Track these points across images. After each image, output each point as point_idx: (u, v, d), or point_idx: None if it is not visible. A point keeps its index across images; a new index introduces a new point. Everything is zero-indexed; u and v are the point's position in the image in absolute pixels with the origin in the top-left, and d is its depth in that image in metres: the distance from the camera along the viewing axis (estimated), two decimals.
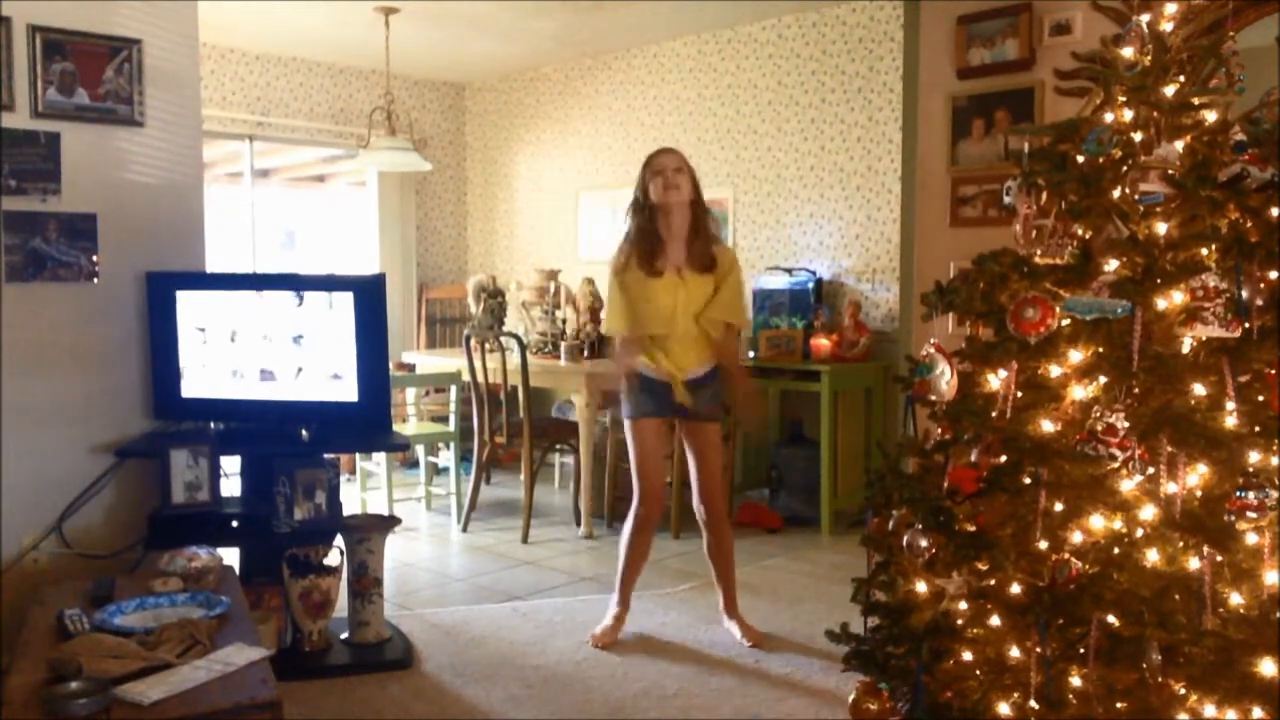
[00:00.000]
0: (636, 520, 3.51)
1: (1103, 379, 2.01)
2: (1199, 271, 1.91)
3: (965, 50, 4.21)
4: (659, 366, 3.41)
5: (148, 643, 2.22)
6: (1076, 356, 2.04)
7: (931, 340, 2.25)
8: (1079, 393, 2.04)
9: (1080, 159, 2.11)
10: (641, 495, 3.48)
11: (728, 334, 3.49)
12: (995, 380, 2.14)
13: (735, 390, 3.61)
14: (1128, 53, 2.14)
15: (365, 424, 3.43)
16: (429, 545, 4.92)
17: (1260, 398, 1.90)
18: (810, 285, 5.39)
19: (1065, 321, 2.04)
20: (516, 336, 4.99)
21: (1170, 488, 1.90)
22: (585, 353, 5.24)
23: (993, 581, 2.05)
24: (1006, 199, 2.23)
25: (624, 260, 3.43)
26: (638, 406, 3.45)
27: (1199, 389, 1.92)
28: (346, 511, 3.53)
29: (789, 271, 5.52)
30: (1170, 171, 1.97)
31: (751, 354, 5.32)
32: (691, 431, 3.51)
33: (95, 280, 3.32)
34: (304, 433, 3.33)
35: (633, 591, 3.61)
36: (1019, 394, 2.08)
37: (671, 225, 3.37)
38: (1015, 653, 2.02)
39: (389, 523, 3.50)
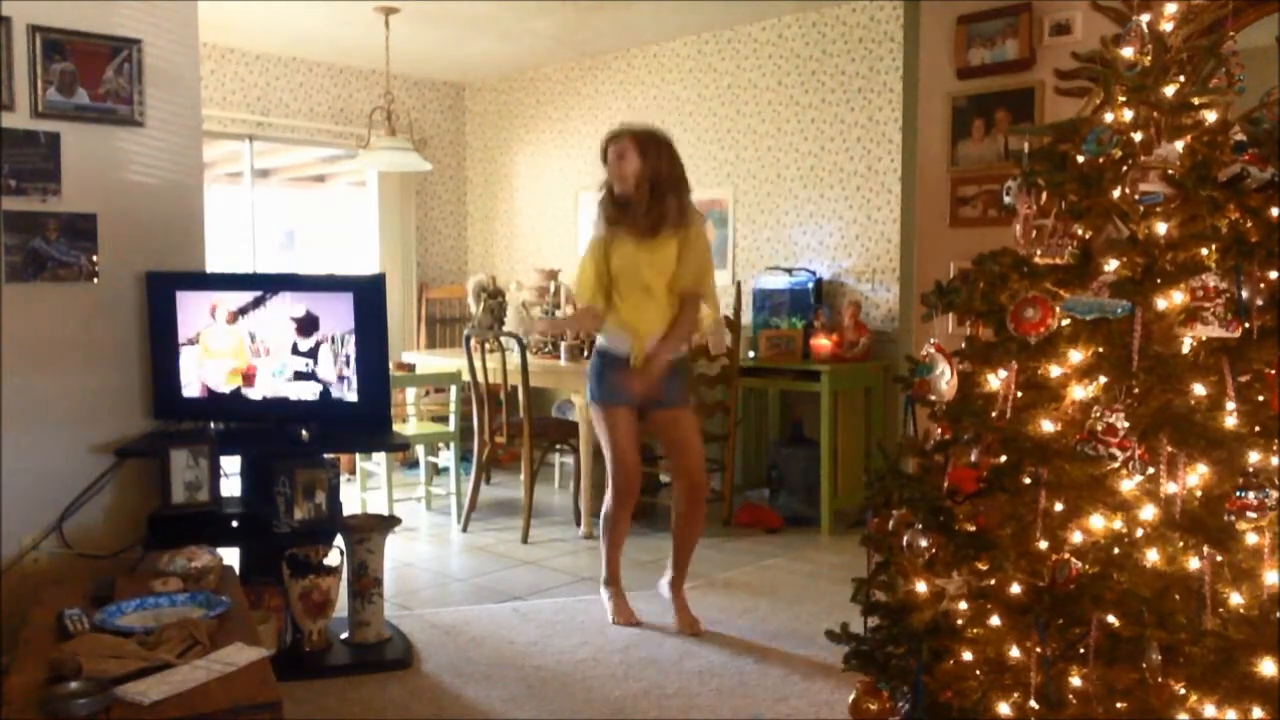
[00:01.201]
0: (614, 498, 3.61)
1: (1103, 379, 2.01)
2: (1199, 271, 1.91)
3: (965, 50, 4.21)
4: (622, 322, 3.49)
5: (148, 643, 2.22)
6: (1076, 356, 2.04)
7: (931, 340, 2.25)
8: (1079, 393, 2.04)
9: (1080, 159, 2.11)
10: (620, 478, 3.57)
11: (685, 306, 3.50)
12: (995, 380, 2.14)
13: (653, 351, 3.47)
14: (1128, 53, 2.14)
15: (365, 424, 3.43)
16: (429, 545, 4.92)
17: (1260, 398, 1.90)
18: (810, 285, 5.39)
19: (1065, 321, 2.04)
20: (516, 336, 4.99)
21: (1170, 488, 1.90)
22: (585, 353, 5.24)
23: (993, 581, 2.05)
24: (1006, 199, 2.23)
25: (595, 232, 3.59)
26: (607, 392, 3.52)
27: (1199, 389, 1.92)
28: (346, 511, 3.53)
29: (789, 271, 5.52)
30: (1170, 171, 1.97)
31: (751, 354, 5.32)
32: (665, 422, 3.54)
33: (95, 280, 3.32)
34: (304, 433, 3.33)
35: (620, 568, 3.73)
36: (1019, 394, 2.08)
37: (629, 198, 3.47)
38: (1015, 653, 2.02)
39: (389, 523, 3.50)
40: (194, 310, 3.40)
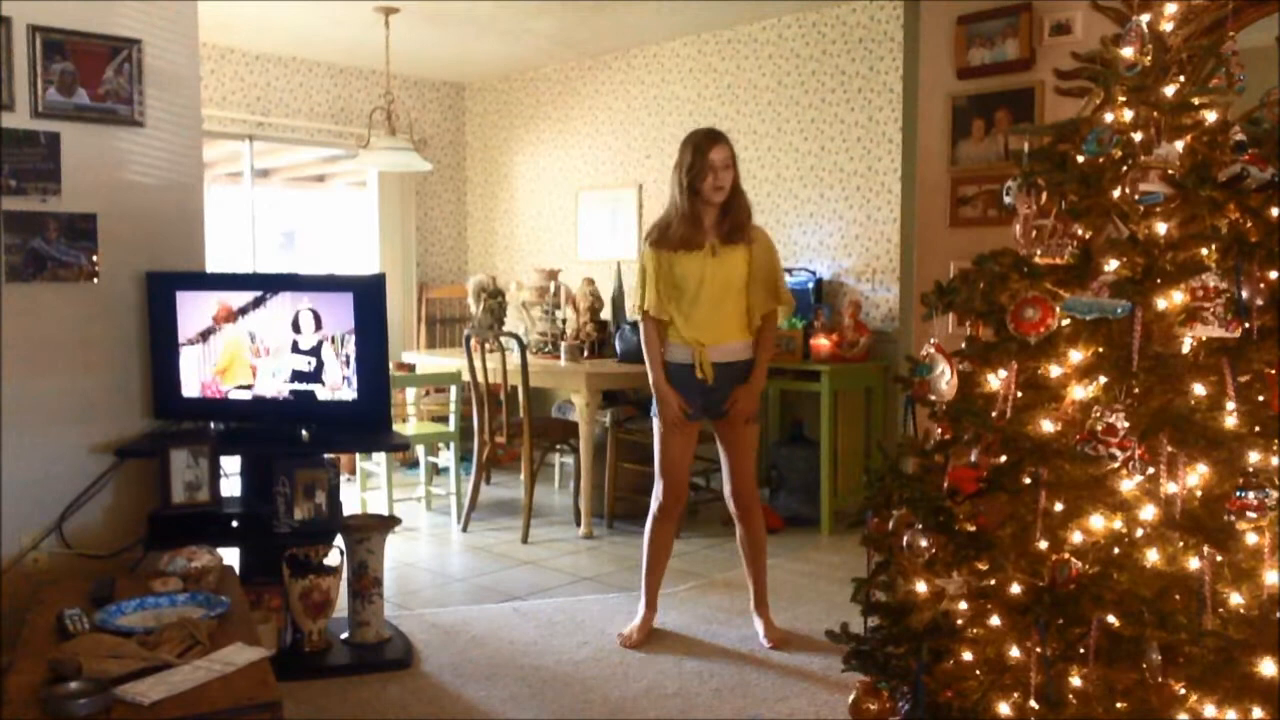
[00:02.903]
0: (658, 512, 3.53)
1: (1103, 379, 2.01)
2: (1199, 271, 1.91)
3: (965, 50, 4.21)
4: (683, 338, 3.40)
5: (148, 643, 2.23)
6: (1076, 356, 2.04)
7: (931, 340, 2.25)
8: (1079, 393, 2.04)
9: (1080, 159, 2.11)
10: (664, 491, 3.50)
11: (767, 326, 3.46)
12: (995, 380, 2.14)
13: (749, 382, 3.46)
14: (1128, 53, 2.14)
15: (365, 424, 3.43)
16: (429, 545, 4.92)
17: (1260, 398, 1.90)
18: (810, 285, 5.39)
19: (1065, 321, 2.04)
20: (516, 336, 4.99)
21: (1170, 488, 1.90)
22: (585, 353, 5.24)
23: (993, 581, 2.05)
24: (1006, 199, 2.23)
25: (658, 235, 3.44)
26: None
27: (1199, 389, 1.92)
28: (346, 511, 3.53)
29: (789, 271, 5.51)
30: (1170, 171, 1.97)
31: None
32: (727, 428, 3.46)
33: (95, 280, 3.32)
34: (304, 433, 3.33)
35: (659, 590, 3.61)
36: (1019, 394, 2.08)
37: (710, 208, 3.40)
38: (1015, 653, 2.02)
39: (389, 523, 3.50)
40: (194, 310, 3.39)
